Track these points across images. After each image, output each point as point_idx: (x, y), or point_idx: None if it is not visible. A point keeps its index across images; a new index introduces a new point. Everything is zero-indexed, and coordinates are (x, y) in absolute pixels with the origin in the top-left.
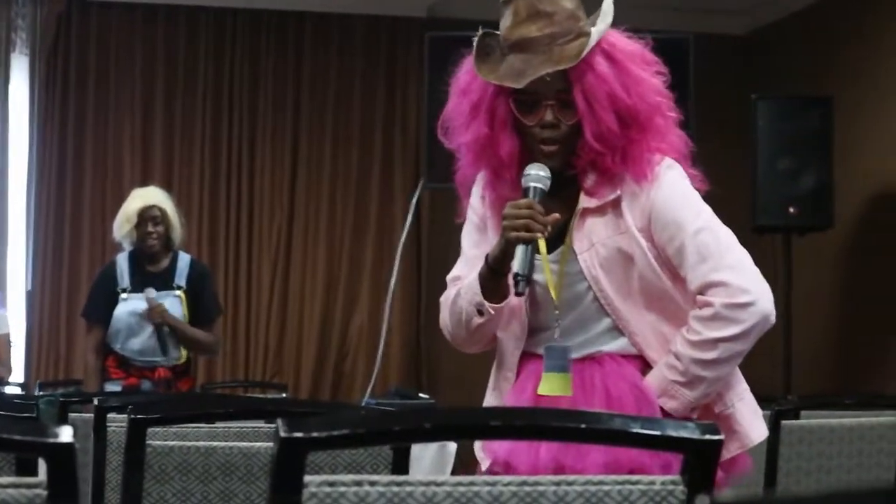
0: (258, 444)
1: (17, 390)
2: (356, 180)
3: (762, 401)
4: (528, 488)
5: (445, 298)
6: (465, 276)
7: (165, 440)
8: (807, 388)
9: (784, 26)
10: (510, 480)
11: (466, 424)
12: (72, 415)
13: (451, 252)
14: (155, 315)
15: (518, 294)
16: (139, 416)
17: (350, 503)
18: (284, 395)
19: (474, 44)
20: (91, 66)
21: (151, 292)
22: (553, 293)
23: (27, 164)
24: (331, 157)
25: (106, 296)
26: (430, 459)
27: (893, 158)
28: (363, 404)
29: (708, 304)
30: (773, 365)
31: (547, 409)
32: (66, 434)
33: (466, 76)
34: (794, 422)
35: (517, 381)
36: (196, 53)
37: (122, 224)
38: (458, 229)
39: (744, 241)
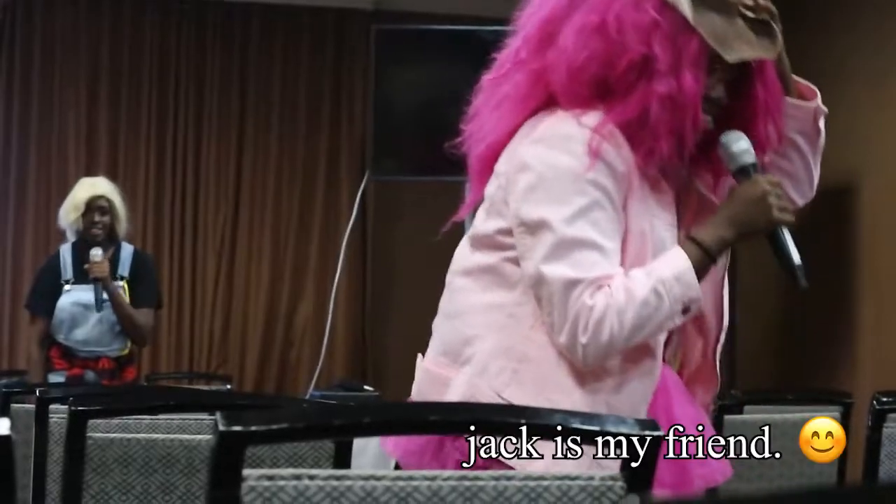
0: (199, 436)
1: None
2: (302, 172)
3: None
4: (467, 483)
5: (618, 302)
6: (619, 273)
7: (107, 432)
8: (750, 384)
9: None
10: (450, 475)
11: (405, 419)
12: (14, 405)
13: (395, 244)
14: (95, 270)
15: (801, 288)
16: (80, 408)
17: (289, 497)
18: (228, 386)
19: None
20: (36, 56)
21: (97, 250)
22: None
23: None
24: (276, 148)
25: (49, 287)
26: (372, 452)
27: (840, 156)
28: (307, 397)
29: None
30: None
31: (485, 404)
32: (3, 426)
33: (667, 13)
34: (737, 416)
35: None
36: (141, 44)
37: (69, 212)
38: (403, 221)
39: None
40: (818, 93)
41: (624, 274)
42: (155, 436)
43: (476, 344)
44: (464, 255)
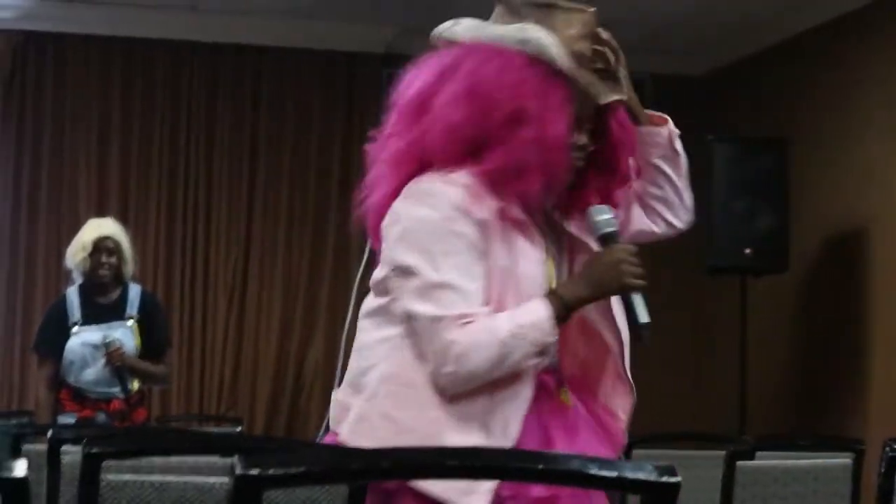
0: (213, 479)
1: None
2: (313, 215)
3: (717, 441)
4: None
5: (476, 339)
6: (483, 312)
7: (119, 473)
8: (762, 430)
9: (741, 68)
10: None
11: (423, 464)
12: (25, 446)
13: None
14: (114, 358)
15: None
16: (94, 451)
17: None
18: (239, 428)
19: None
20: (47, 98)
21: (108, 336)
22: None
23: None
24: (287, 192)
25: (57, 330)
26: None
27: (849, 200)
28: (318, 440)
29: None
30: (729, 405)
31: (505, 450)
32: (20, 468)
33: (531, 70)
34: (748, 462)
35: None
36: (153, 87)
37: (77, 252)
38: None
39: (699, 283)
40: (668, 119)
41: (489, 314)
42: (168, 478)
43: (370, 373)
44: (367, 300)
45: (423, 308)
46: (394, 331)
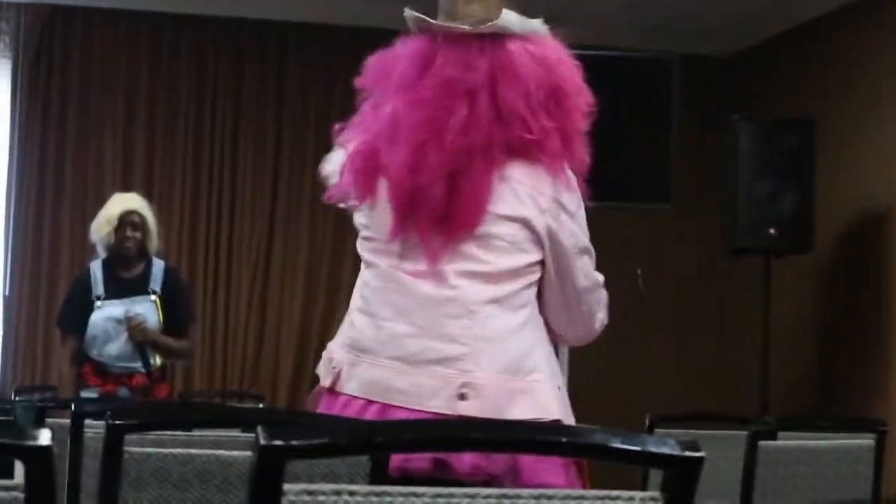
0: (235, 452)
1: None
2: None
3: (740, 422)
4: (507, 501)
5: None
6: None
7: (142, 447)
8: (784, 410)
9: (767, 49)
10: (489, 493)
11: (446, 436)
12: (48, 420)
13: None
14: (136, 333)
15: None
16: (117, 423)
17: None
18: (262, 405)
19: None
20: (74, 72)
21: (131, 311)
22: None
23: (7, 168)
24: (312, 167)
25: (81, 304)
26: None
27: (874, 181)
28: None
29: None
30: (751, 385)
31: (529, 423)
32: (44, 437)
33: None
34: (770, 442)
35: None
36: (179, 60)
37: (102, 226)
38: None
39: (722, 263)
40: None
41: None
42: (191, 451)
43: (533, 356)
44: (479, 288)
45: (600, 277)
46: (527, 312)
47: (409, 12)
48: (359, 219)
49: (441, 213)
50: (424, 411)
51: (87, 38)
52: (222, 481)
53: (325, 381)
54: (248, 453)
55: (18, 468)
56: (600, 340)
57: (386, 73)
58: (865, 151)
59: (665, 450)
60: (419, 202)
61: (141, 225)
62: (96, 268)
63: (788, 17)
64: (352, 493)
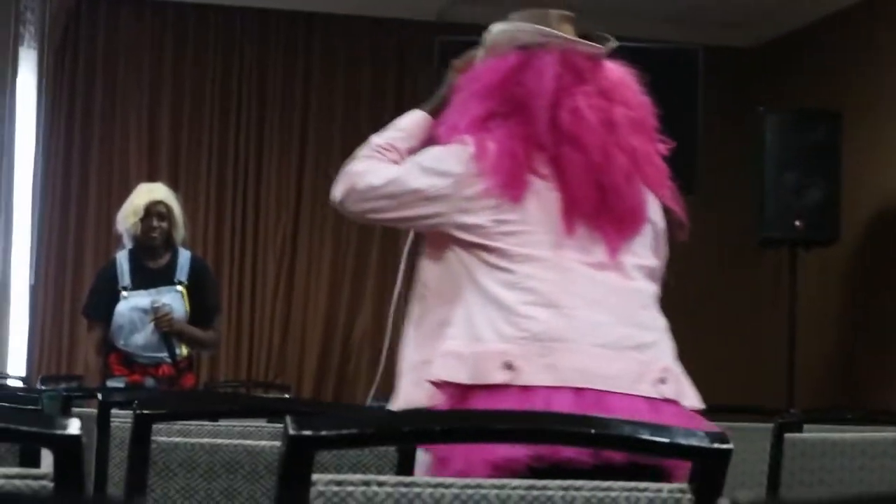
0: (263, 442)
1: (20, 384)
2: None
3: (765, 413)
4: (535, 492)
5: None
6: None
7: (169, 437)
8: (811, 402)
9: (794, 40)
10: (518, 484)
11: (474, 427)
12: (75, 409)
13: None
14: (163, 323)
15: None
16: (145, 412)
17: (357, 503)
18: (287, 395)
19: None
20: (99, 61)
21: (157, 301)
22: None
23: (33, 158)
24: (338, 156)
25: (107, 294)
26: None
27: (889, 176)
28: (367, 406)
29: None
30: (777, 378)
31: (557, 414)
32: (74, 426)
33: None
34: (796, 435)
35: None
36: (205, 50)
37: (128, 216)
38: None
39: (749, 254)
40: None
41: None
42: (219, 441)
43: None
44: (647, 283)
45: None
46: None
47: (528, 25)
48: (493, 215)
49: (624, 208)
50: (636, 395)
51: (112, 29)
52: (250, 471)
53: (487, 379)
54: (276, 443)
55: (45, 457)
56: None
57: (506, 79)
58: (892, 142)
59: (694, 441)
60: (608, 199)
61: (167, 215)
62: (122, 258)
63: (814, 9)
64: (380, 484)
